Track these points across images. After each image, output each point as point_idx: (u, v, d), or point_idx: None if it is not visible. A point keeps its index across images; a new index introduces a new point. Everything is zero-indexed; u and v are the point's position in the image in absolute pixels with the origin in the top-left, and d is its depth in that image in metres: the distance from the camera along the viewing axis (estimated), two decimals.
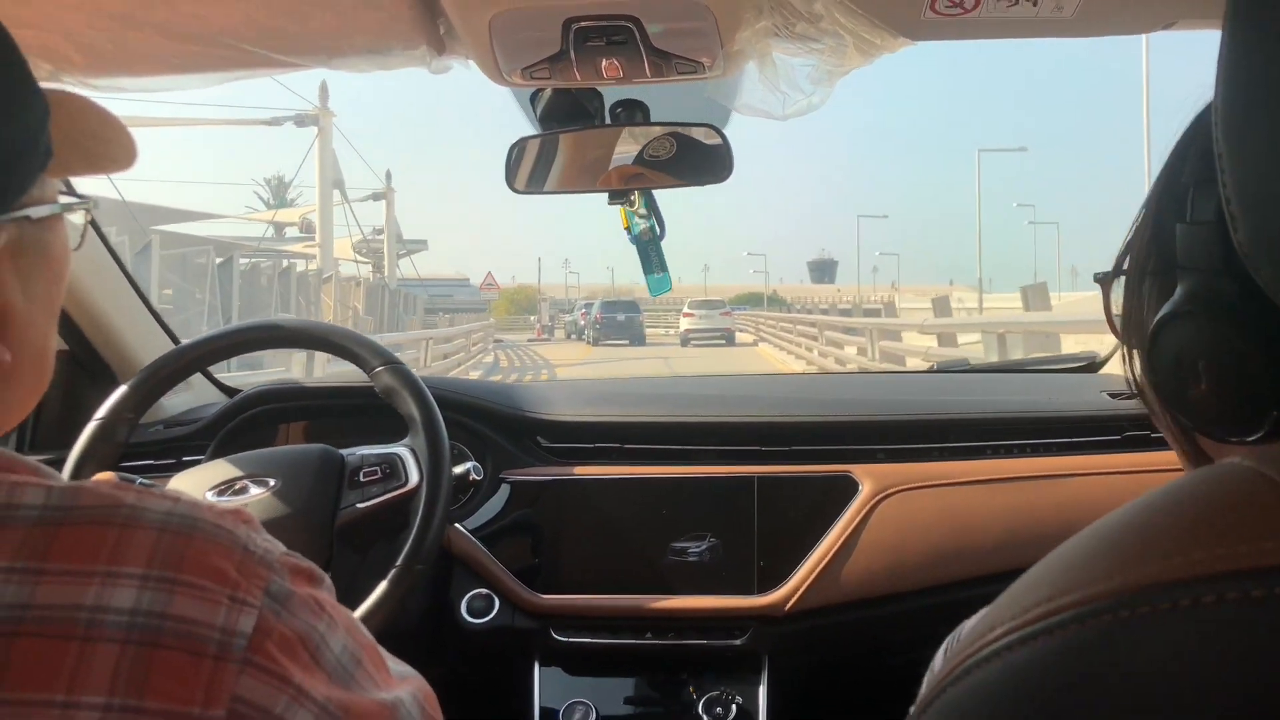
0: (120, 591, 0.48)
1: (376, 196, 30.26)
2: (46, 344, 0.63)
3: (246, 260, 19.44)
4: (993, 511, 1.51)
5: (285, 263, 21.82)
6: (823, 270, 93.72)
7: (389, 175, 30.45)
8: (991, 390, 1.90)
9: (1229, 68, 0.44)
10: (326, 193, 22.65)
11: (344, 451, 1.39)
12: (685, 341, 32.48)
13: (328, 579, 0.59)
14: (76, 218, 0.71)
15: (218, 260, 16.58)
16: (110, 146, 0.69)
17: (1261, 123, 0.42)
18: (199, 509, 0.53)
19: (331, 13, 0.99)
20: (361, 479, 1.34)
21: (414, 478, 1.34)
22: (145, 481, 1.33)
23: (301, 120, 21.16)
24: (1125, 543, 0.39)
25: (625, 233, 1.40)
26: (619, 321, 34.22)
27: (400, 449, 1.38)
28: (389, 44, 1.06)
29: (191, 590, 0.49)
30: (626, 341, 32.87)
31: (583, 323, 37.92)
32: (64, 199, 0.64)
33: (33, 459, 0.54)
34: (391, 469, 1.35)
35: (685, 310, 35.13)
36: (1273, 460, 0.39)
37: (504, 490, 1.60)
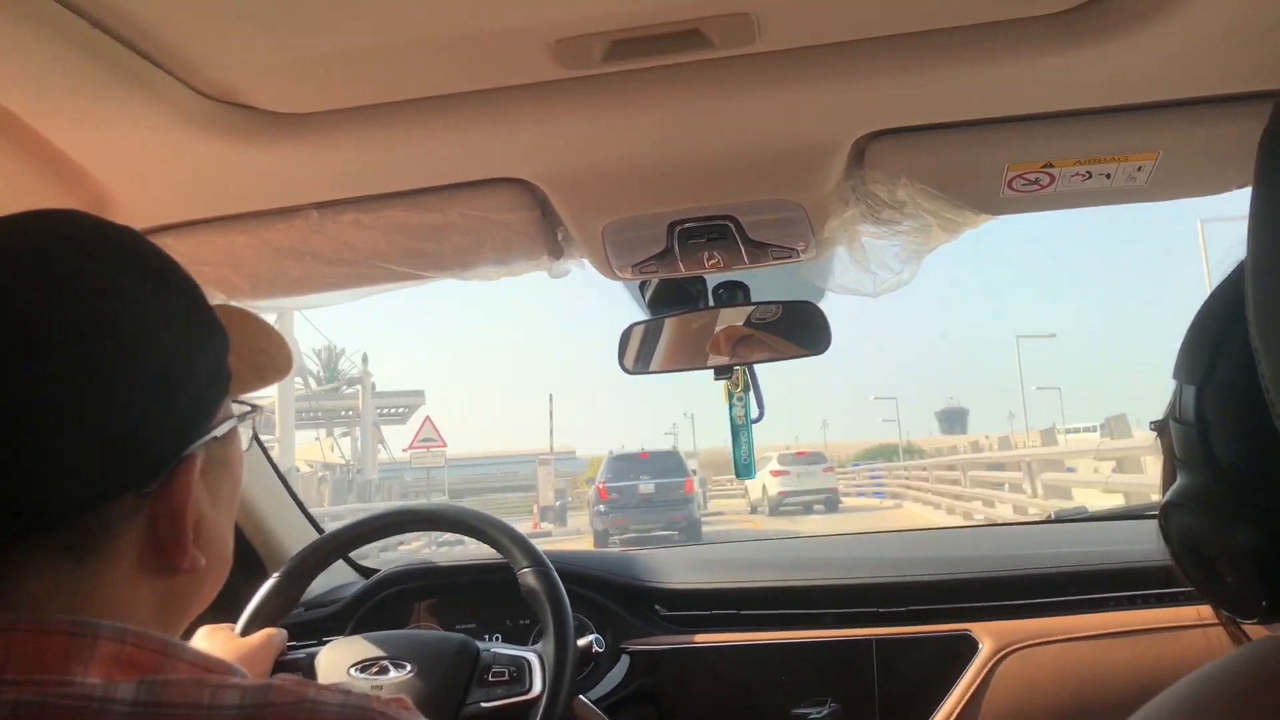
0: None
1: (351, 382, 23.79)
2: (228, 542, 0.72)
3: None
4: (1119, 666, 1.48)
5: None
6: (952, 420, 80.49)
7: (365, 359, 24.86)
8: (1111, 539, 1.87)
9: (1258, 262, 0.48)
10: None
11: (480, 645, 1.43)
12: (775, 509, 23.93)
13: None
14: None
15: None
16: (274, 358, 0.78)
17: None
18: (368, 699, 0.60)
19: (464, 233, 1.12)
20: (490, 678, 1.38)
21: (537, 687, 1.37)
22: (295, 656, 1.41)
23: None
24: (1180, 713, 0.43)
25: (728, 410, 1.47)
26: (641, 496, 18.23)
27: (530, 654, 1.41)
28: (514, 255, 1.19)
29: None
30: (670, 531, 17.66)
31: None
32: (237, 409, 0.73)
33: (217, 656, 0.62)
34: (519, 673, 1.38)
35: (774, 468, 24.71)
36: None
37: (625, 660, 1.64)
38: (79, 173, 0.98)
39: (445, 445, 24.38)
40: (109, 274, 0.61)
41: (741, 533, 19.10)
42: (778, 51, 0.90)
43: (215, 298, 1.22)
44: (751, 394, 1.47)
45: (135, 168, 0.99)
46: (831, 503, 24.42)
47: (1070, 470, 12.43)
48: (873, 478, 30.46)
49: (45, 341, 0.56)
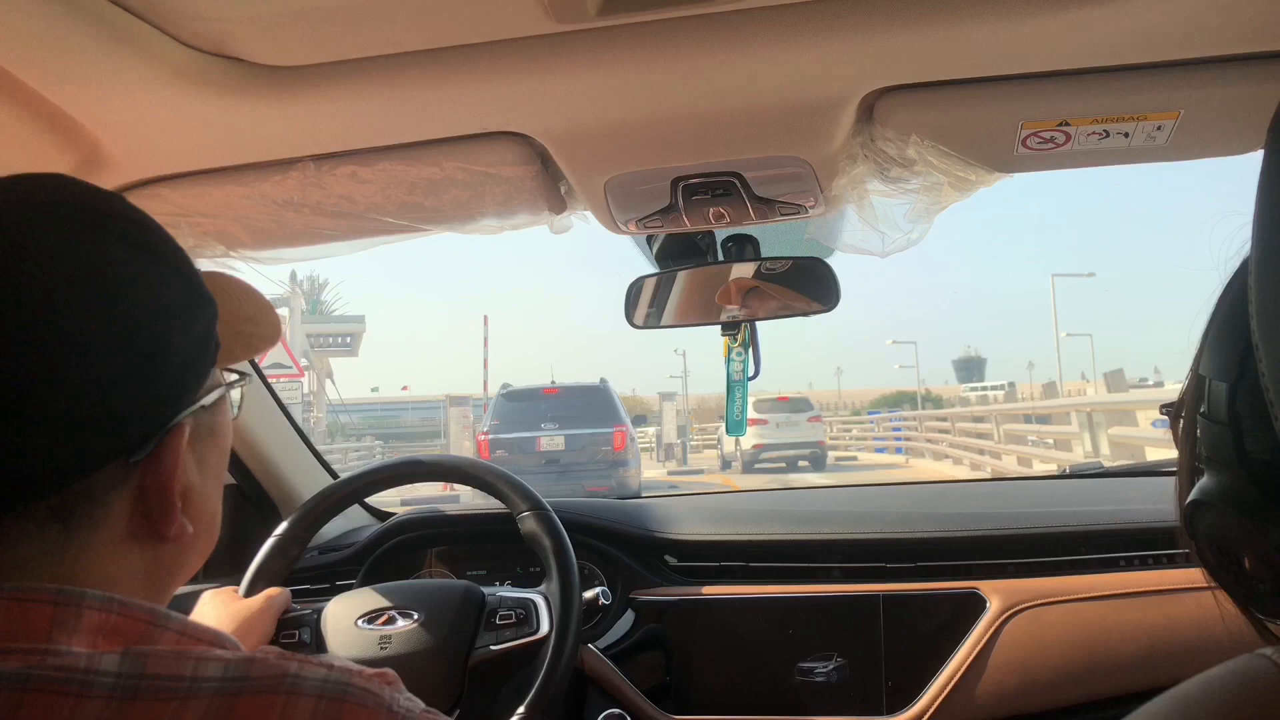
0: None
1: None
2: (217, 509, 0.72)
3: None
4: (1129, 628, 1.47)
5: None
6: (970, 369, 77.58)
7: (294, 277, 20.82)
8: (1126, 496, 1.85)
9: (1265, 246, 0.45)
10: None
11: (485, 590, 1.45)
12: (749, 465, 20.99)
13: None
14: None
15: None
16: (261, 326, 0.77)
17: None
18: (350, 674, 0.60)
19: (463, 187, 1.11)
20: (498, 621, 1.39)
21: (544, 627, 1.38)
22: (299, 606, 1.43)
23: None
24: None
25: (725, 364, 1.47)
26: (543, 454, 12.73)
27: (535, 595, 1.43)
28: (514, 209, 1.17)
29: None
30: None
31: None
32: (228, 376, 0.73)
33: (206, 625, 0.62)
34: (525, 615, 1.40)
35: (752, 415, 19.33)
36: None
37: (634, 610, 1.65)
38: (72, 127, 0.98)
39: (301, 374, 18.24)
40: (98, 243, 0.60)
41: None
42: (780, 5, 0.87)
43: (215, 250, 1.22)
44: (750, 351, 1.45)
45: (127, 122, 0.98)
46: (818, 460, 20.95)
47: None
48: (895, 429, 25.41)
49: (32, 309, 0.56)
